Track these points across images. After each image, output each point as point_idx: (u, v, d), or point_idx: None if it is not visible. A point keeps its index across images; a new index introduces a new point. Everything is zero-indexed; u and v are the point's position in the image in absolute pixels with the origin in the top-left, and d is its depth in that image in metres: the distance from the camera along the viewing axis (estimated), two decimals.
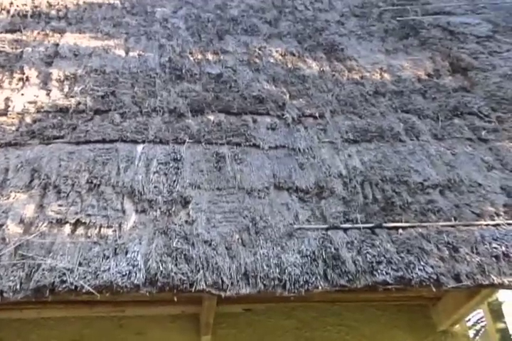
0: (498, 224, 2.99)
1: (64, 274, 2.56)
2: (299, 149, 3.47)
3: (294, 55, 4.38)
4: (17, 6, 4.68)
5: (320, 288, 2.66)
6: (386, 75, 4.18)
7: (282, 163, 3.36)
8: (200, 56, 4.27)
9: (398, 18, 4.89)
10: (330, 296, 3.31)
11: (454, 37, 4.61)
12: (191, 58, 4.24)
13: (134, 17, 4.73)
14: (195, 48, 4.36)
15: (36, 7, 4.72)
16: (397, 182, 3.26)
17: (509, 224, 2.99)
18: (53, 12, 4.68)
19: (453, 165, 3.38)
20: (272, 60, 4.28)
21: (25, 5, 4.72)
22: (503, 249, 2.83)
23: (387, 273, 2.70)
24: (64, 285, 2.53)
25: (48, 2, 4.79)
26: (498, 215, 3.06)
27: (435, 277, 2.70)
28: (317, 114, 3.77)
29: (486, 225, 2.99)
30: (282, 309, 3.95)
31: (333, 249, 2.81)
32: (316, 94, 3.96)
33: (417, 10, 4.99)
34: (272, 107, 3.78)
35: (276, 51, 4.39)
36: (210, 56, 4.29)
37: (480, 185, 3.25)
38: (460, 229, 2.96)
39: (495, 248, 2.83)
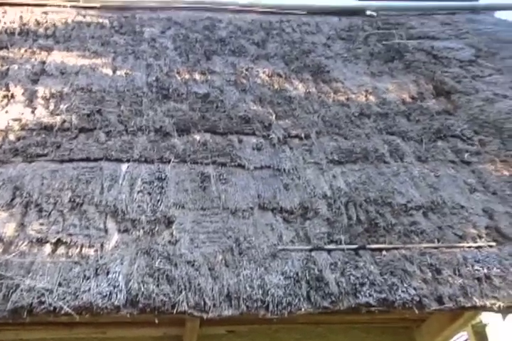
0: (480, 246, 3.00)
1: (43, 295, 2.51)
2: (284, 170, 3.47)
3: (280, 76, 4.41)
4: (5, 23, 4.68)
5: (303, 310, 2.64)
6: (371, 97, 4.21)
7: (267, 184, 3.36)
8: (187, 76, 4.29)
9: (383, 42, 4.95)
10: (314, 318, 3.29)
11: (438, 61, 4.67)
12: (178, 78, 4.25)
13: (122, 36, 4.75)
14: (182, 68, 4.37)
15: (24, 25, 4.72)
16: (381, 203, 3.27)
17: (491, 246, 3.01)
18: (41, 30, 4.68)
19: (436, 187, 3.40)
20: (258, 81, 4.30)
21: (13, 22, 4.72)
22: (485, 271, 2.83)
23: (370, 295, 2.69)
24: (42, 307, 2.48)
25: (36, 20, 4.79)
26: (480, 237, 3.07)
27: (418, 299, 2.69)
28: (303, 135, 3.78)
29: (469, 247, 3.00)
30: (266, 331, 3.91)
31: (316, 271, 2.79)
32: (302, 115, 3.98)
33: (402, 34, 5.06)
34: (257, 127, 3.80)
35: (263, 72, 4.42)
36: (197, 76, 4.30)
37: (462, 207, 3.27)
38: (443, 250, 2.96)
39: (477, 270, 2.84)
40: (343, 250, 2.95)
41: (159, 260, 2.78)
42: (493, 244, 3.03)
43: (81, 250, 2.82)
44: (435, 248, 2.98)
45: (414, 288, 2.73)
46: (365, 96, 4.23)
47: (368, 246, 2.98)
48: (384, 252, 2.95)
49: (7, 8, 4.87)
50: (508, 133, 3.87)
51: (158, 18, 5.05)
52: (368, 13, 5.42)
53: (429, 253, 2.93)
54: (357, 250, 2.96)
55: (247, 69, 4.42)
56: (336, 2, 5.64)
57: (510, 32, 5.31)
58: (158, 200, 3.16)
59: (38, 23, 4.74)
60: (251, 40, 4.88)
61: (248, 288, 2.68)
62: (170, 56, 4.51)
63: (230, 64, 4.49)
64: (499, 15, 5.68)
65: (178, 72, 4.30)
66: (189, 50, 4.63)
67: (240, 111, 3.93)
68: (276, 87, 4.26)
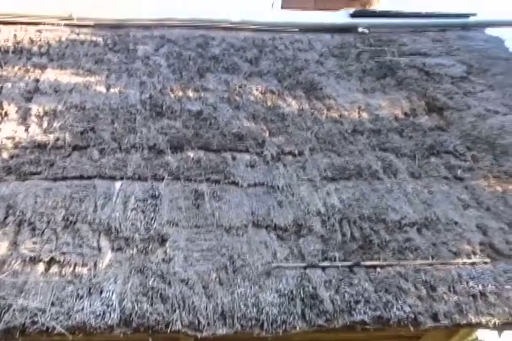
0: (474, 263, 3.01)
1: (35, 315, 2.50)
2: (278, 187, 3.48)
3: (273, 93, 4.42)
4: None
5: (298, 328, 2.64)
6: (364, 114, 4.23)
7: (261, 201, 3.36)
8: (180, 93, 4.30)
9: (376, 59, 4.97)
10: (309, 336, 3.26)
11: (430, 77, 4.69)
12: (172, 95, 4.26)
13: (116, 54, 4.75)
14: (176, 85, 4.38)
15: (18, 43, 4.73)
16: (375, 220, 3.28)
17: (485, 262, 3.01)
18: (35, 48, 4.68)
19: (430, 204, 3.41)
20: (252, 98, 4.32)
21: (7, 41, 4.72)
22: (480, 288, 2.84)
23: (365, 313, 2.68)
24: (35, 327, 2.46)
25: (30, 38, 4.79)
26: (474, 254, 3.08)
27: (413, 316, 2.69)
28: (296, 152, 3.79)
29: (463, 264, 3.00)
30: None
31: (311, 288, 2.79)
32: (295, 131, 3.99)
33: (394, 51, 5.08)
34: (251, 145, 3.80)
35: (257, 89, 4.43)
36: (190, 93, 4.31)
37: (456, 223, 3.28)
38: (437, 267, 2.97)
39: (472, 287, 2.84)
40: (337, 267, 2.95)
41: (153, 278, 2.77)
42: (488, 260, 3.03)
43: (74, 269, 2.81)
44: (430, 265, 2.98)
45: (410, 306, 2.73)
46: (358, 112, 4.25)
47: (362, 263, 2.98)
48: (378, 269, 2.94)
49: (1, 26, 4.87)
50: (501, 148, 3.89)
51: (152, 35, 5.06)
52: (360, 30, 5.44)
53: (424, 270, 2.93)
54: (351, 267, 2.96)
55: (240, 87, 4.43)
56: (328, 19, 5.67)
57: (500, 48, 5.35)
58: (152, 218, 3.16)
59: (32, 41, 4.74)
60: (244, 57, 4.90)
61: (242, 307, 2.67)
62: (163, 73, 4.52)
63: (224, 81, 4.50)
64: (490, 32, 5.71)
65: (171, 90, 4.31)
66: (182, 67, 4.64)
67: (234, 128, 3.93)
68: (269, 103, 4.28)
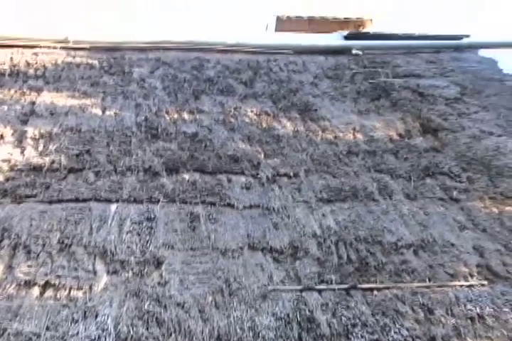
0: (472, 285, 2.98)
1: (30, 339, 2.48)
2: (274, 209, 3.47)
3: (268, 114, 4.44)
4: None
5: None
6: (359, 135, 4.25)
7: (257, 223, 3.35)
8: (176, 115, 4.31)
9: (370, 80, 5.00)
10: None
11: (424, 99, 4.72)
12: (167, 117, 4.27)
13: (112, 77, 4.78)
14: (171, 108, 4.40)
15: (14, 66, 4.75)
16: (371, 242, 3.26)
17: (483, 285, 3.00)
18: (31, 71, 4.71)
19: (426, 225, 3.40)
20: (247, 120, 4.33)
21: (4, 64, 4.75)
22: (478, 310, 2.81)
23: (362, 337, 2.65)
24: None
25: (26, 61, 4.82)
26: (471, 276, 3.06)
27: (411, 340, 2.67)
28: (291, 173, 3.79)
29: (460, 286, 2.98)
30: None
31: (307, 311, 2.77)
32: (290, 153, 4.00)
33: (388, 72, 5.12)
34: (246, 166, 3.81)
35: (252, 111, 4.45)
36: (186, 115, 4.33)
37: (453, 245, 3.27)
38: (434, 290, 2.95)
39: (470, 309, 2.82)
40: (334, 290, 2.93)
41: (148, 302, 2.75)
42: (485, 282, 3.01)
43: (69, 292, 2.79)
44: (427, 287, 2.96)
45: (407, 329, 2.70)
46: (353, 134, 4.26)
47: (359, 285, 2.96)
48: (375, 292, 2.93)
49: None
50: (496, 170, 3.90)
51: (147, 58, 5.09)
52: (354, 52, 5.49)
53: (421, 293, 2.91)
54: (348, 290, 2.94)
55: (235, 108, 4.45)
56: (322, 41, 5.73)
57: (494, 70, 5.39)
58: (148, 241, 3.14)
59: (28, 64, 4.77)
60: (239, 79, 4.92)
61: (239, 330, 2.65)
62: (159, 96, 4.54)
63: (219, 103, 4.52)
64: (483, 53, 5.76)
65: (166, 112, 4.32)
66: (178, 89, 4.66)
67: (229, 150, 3.94)
68: (264, 125, 4.29)
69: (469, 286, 2.98)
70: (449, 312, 2.81)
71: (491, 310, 2.83)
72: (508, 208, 3.58)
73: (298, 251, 3.18)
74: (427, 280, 3.02)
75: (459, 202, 3.64)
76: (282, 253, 3.16)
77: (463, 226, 3.43)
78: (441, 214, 3.51)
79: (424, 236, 3.32)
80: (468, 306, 2.84)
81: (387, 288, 2.95)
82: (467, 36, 5.90)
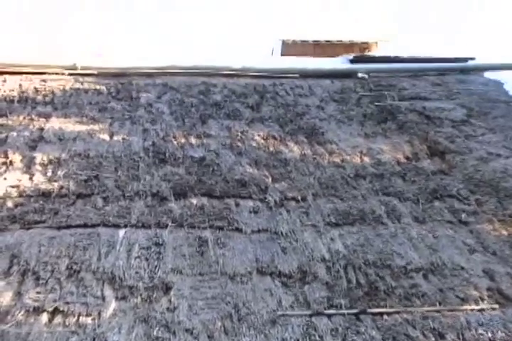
0: (482, 309, 2.97)
1: None
2: (282, 233, 3.47)
3: (275, 138, 4.45)
4: (4, 91, 4.76)
5: None
6: (366, 158, 4.25)
7: (265, 247, 3.35)
8: (183, 140, 4.33)
9: (376, 103, 5.02)
10: None
11: (431, 121, 4.73)
12: (175, 142, 4.29)
13: (119, 102, 4.82)
14: (178, 132, 4.42)
15: (23, 92, 4.80)
16: (381, 266, 3.25)
17: (494, 308, 2.97)
18: (40, 97, 4.76)
19: (435, 248, 3.39)
20: (254, 144, 4.35)
21: (13, 90, 4.80)
22: (489, 335, 2.79)
23: None
24: None
25: (34, 88, 4.87)
26: (482, 300, 3.04)
27: None
28: (299, 197, 3.79)
29: (471, 310, 2.96)
30: None
31: (317, 337, 2.75)
32: (297, 177, 4.00)
33: (394, 95, 5.14)
34: (254, 191, 3.81)
35: (259, 135, 4.47)
36: (193, 140, 4.35)
37: (463, 268, 3.25)
38: (445, 314, 2.93)
39: (481, 334, 2.79)
40: (343, 315, 2.91)
41: (157, 328, 2.75)
42: (496, 306, 2.99)
43: (78, 319, 2.79)
44: (437, 311, 2.94)
45: None
46: (360, 157, 4.27)
47: (368, 310, 2.95)
48: (385, 316, 2.91)
49: (7, 76, 4.96)
50: (505, 192, 3.89)
51: (155, 83, 5.14)
52: (360, 75, 5.52)
53: (432, 317, 2.89)
54: (358, 314, 2.92)
55: (242, 133, 4.47)
56: (328, 65, 5.76)
57: (500, 92, 5.41)
58: (156, 266, 3.14)
59: (36, 91, 4.81)
60: (245, 103, 4.95)
61: None
62: (166, 121, 4.57)
63: (226, 127, 4.55)
64: (488, 75, 5.78)
65: (174, 137, 4.35)
66: (185, 114, 4.69)
67: (236, 174, 3.95)
68: (271, 149, 4.31)
69: (480, 310, 2.96)
70: (461, 336, 2.79)
71: (503, 334, 2.81)
72: None
73: (307, 275, 3.17)
74: (438, 304, 3.00)
75: (468, 224, 3.63)
76: (291, 277, 3.15)
77: (472, 249, 3.41)
78: (451, 237, 3.50)
79: (433, 259, 3.30)
80: (480, 330, 2.82)
81: (398, 312, 2.94)
82: (472, 59, 5.93)
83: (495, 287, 3.13)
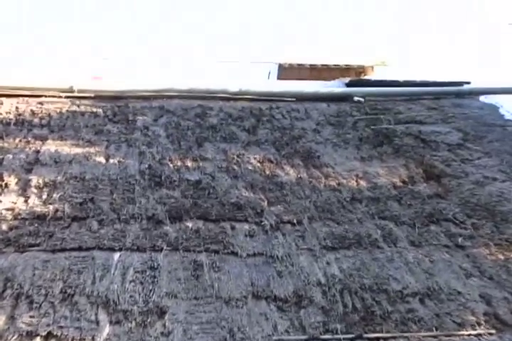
0: (480, 334, 2.94)
1: None
2: (277, 256, 3.45)
3: (271, 162, 4.46)
4: (0, 114, 4.77)
5: None
6: (362, 182, 4.25)
7: (260, 271, 3.32)
8: (179, 163, 4.33)
9: (372, 127, 5.05)
10: None
11: (427, 145, 4.75)
12: (171, 165, 4.30)
13: (116, 125, 4.83)
14: (174, 155, 4.43)
15: (20, 115, 4.82)
16: (377, 290, 3.23)
17: (491, 333, 2.95)
18: (36, 120, 4.77)
19: (431, 273, 3.37)
20: (250, 167, 4.35)
21: (9, 113, 4.82)
22: None
23: None
24: None
25: (31, 110, 4.89)
26: (479, 325, 3.01)
27: None
28: (295, 221, 3.78)
29: (468, 335, 2.93)
30: None
31: None
32: (293, 200, 4.00)
33: (390, 119, 5.17)
34: (250, 214, 3.80)
35: (255, 158, 4.48)
36: (189, 163, 4.35)
37: (459, 293, 3.23)
38: (442, 339, 2.90)
39: None
40: (339, 340, 2.89)
41: None
42: (493, 331, 2.96)
43: None
44: (434, 336, 2.91)
45: None
46: (356, 180, 4.27)
47: (365, 335, 2.92)
48: None
49: (3, 99, 4.98)
50: (501, 216, 3.89)
51: (151, 106, 5.16)
52: (356, 99, 5.55)
53: None
54: (354, 339, 2.90)
55: (238, 156, 4.48)
56: (324, 89, 5.80)
57: (495, 115, 5.45)
58: (151, 290, 3.11)
59: (33, 113, 4.83)
60: (242, 126, 4.97)
61: None
62: (162, 144, 4.58)
63: (222, 150, 4.55)
64: (484, 99, 5.82)
65: (170, 160, 4.35)
66: (181, 137, 4.70)
67: (232, 197, 3.95)
68: (267, 172, 4.31)
69: (477, 335, 2.94)
70: None
71: None
72: None
73: (302, 299, 3.14)
74: (434, 329, 2.97)
75: (465, 248, 3.62)
76: (287, 302, 3.12)
77: (469, 274, 3.39)
78: (447, 262, 3.49)
79: (430, 284, 3.28)
80: None
81: (394, 337, 2.91)
82: (468, 83, 5.98)
83: (492, 312, 3.10)
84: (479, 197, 4.07)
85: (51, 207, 3.69)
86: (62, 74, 5.39)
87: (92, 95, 5.21)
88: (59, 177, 3.99)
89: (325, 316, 3.04)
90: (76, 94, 5.18)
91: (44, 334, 2.78)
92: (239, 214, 3.79)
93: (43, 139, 4.48)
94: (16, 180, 3.94)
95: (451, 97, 5.75)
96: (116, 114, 4.99)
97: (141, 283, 3.16)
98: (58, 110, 4.94)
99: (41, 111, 4.87)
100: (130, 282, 3.15)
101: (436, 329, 2.97)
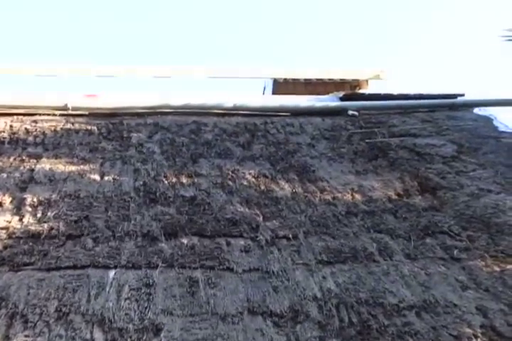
0: None
1: None
2: (273, 272, 3.43)
3: (266, 177, 4.46)
4: None
5: None
6: (357, 196, 4.25)
7: (256, 287, 3.31)
8: (174, 179, 4.33)
9: (367, 140, 5.05)
10: None
11: (421, 157, 4.76)
12: (165, 181, 4.30)
13: (110, 142, 4.84)
14: (169, 172, 4.43)
15: (14, 134, 4.83)
16: (373, 304, 3.21)
17: None
18: (31, 138, 4.78)
19: (427, 286, 3.35)
20: (245, 183, 4.35)
21: (3, 132, 4.83)
22: None
23: None
24: None
25: (25, 129, 4.90)
26: (476, 337, 2.99)
27: None
28: (290, 236, 3.77)
29: None
30: None
31: None
32: (289, 215, 3.99)
33: (384, 132, 5.18)
34: (245, 229, 3.80)
35: (250, 173, 4.48)
36: (184, 179, 4.35)
37: (455, 305, 3.21)
38: None
39: None
40: None
41: None
42: None
43: None
44: None
45: None
46: (351, 194, 4.27)
47: None
48: None
49: None
50: (496, 227, 3.88)
51: (146, 123, 5.17)
52: (350, 113, 5.57)
53: None
54: None
55: (233, 171, 4.48)
56: (319, 103, 5.82)
57: (490, 127, 5.46)
58: (146, 307, 3.10)
59: (27, 132, 4.84)
60: (236, 142, 4.98)
61: None
62: (157, 160, 4.58)
63: (217, 166, 4.56)
64: (478, 111, 5.84)
65: (165, 176, 4.35)
66: (176, 153, 4.71)
67: (227, 213, 3.94)
68: (262, 187, 4.31)
69: None
70: None
71: None
72: (509, 266, 3.54)
73: (298, 314, 3.12)
74: None
75: (460, 261, 3.61)
76: (282, 317, 3.10)
77: (465, 286, 3.38)
78: (443, 274, 3.47)
79: (426, 297, 3.27)
80: None
81: None
82: (462, 95, 6.00)
83: (488, 324, 3.08)
84: (474, 209, 4.07)
85: (46, 225, 3.68)
86: (56, 92, 5.40)
87: (87, 113, 5.23)
88: (53, 196, 3.99)
89: (321, 331, 3.02)
90: (70, 112, 5.19)
91: None
92: (234, 230, 3.78)
93: (38, 157, 4.49)
94: (11, 198, 3.94)
95: (445, 110, 5.76)
96: (110, 131, 5.01)
97: (137, 300, 3.14)
98: (53, 128, 4.95)
99: (35, 130, 4.89)
100: (125, 299, 3.14)
101: None
